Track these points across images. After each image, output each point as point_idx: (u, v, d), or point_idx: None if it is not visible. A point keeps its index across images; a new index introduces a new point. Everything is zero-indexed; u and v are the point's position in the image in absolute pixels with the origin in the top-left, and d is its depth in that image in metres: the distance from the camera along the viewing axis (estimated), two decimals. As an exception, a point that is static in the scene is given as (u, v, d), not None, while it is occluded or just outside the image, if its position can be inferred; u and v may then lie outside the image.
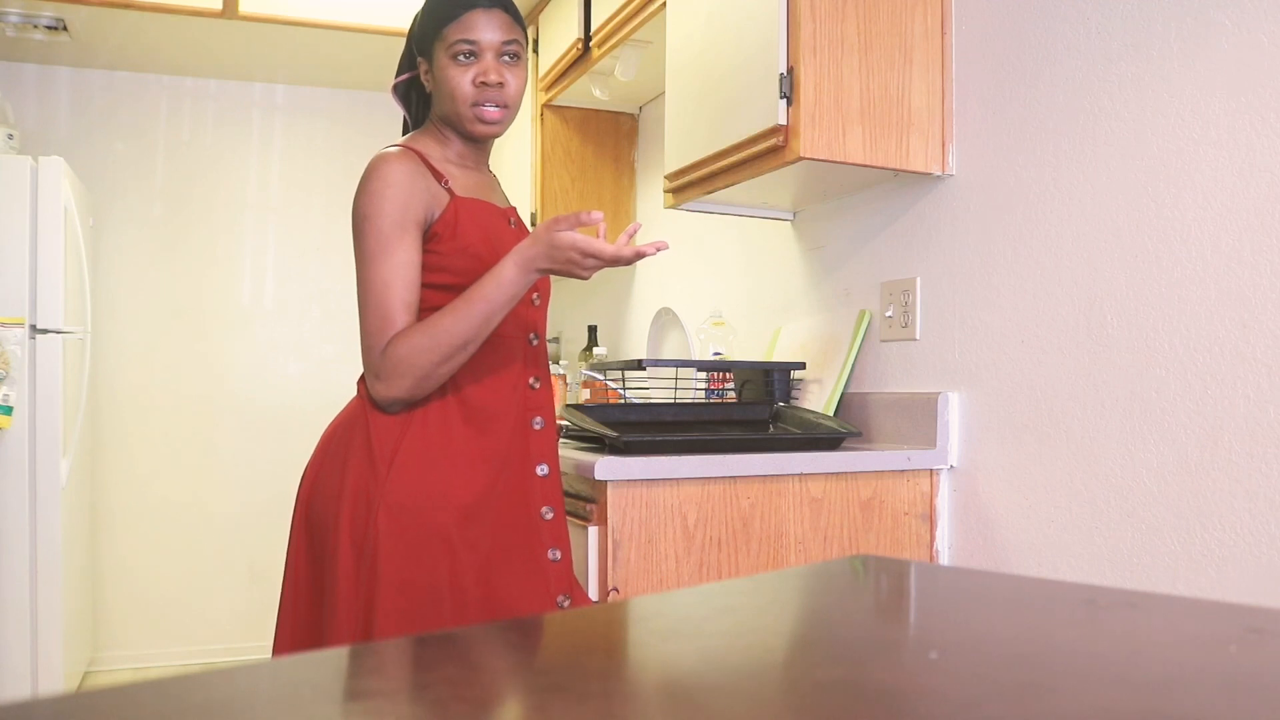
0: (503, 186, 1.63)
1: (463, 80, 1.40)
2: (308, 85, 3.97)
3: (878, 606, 0.65)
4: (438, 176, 1.41)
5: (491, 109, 1.42)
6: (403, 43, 1.56)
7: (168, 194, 3.81)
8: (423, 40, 1.45)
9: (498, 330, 1.39)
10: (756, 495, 1.66)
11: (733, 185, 1.94)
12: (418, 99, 1.55)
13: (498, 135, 1.47)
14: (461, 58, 1.40)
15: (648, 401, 2.25)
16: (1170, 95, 1.44)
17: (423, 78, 1.47)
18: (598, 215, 1.28)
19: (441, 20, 1.41)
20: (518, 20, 1.45)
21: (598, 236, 1.31)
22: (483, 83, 1.40)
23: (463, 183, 1.45)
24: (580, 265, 1.30)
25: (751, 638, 0.56)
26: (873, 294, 2.03)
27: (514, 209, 1.55)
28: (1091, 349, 1.55)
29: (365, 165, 1.41)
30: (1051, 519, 1.61)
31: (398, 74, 1.54)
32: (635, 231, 1.35)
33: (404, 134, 1.56)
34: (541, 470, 1.46)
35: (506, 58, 1.42)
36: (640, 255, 1.30)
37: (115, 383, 3.73)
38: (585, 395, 2.66)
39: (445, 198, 1.40)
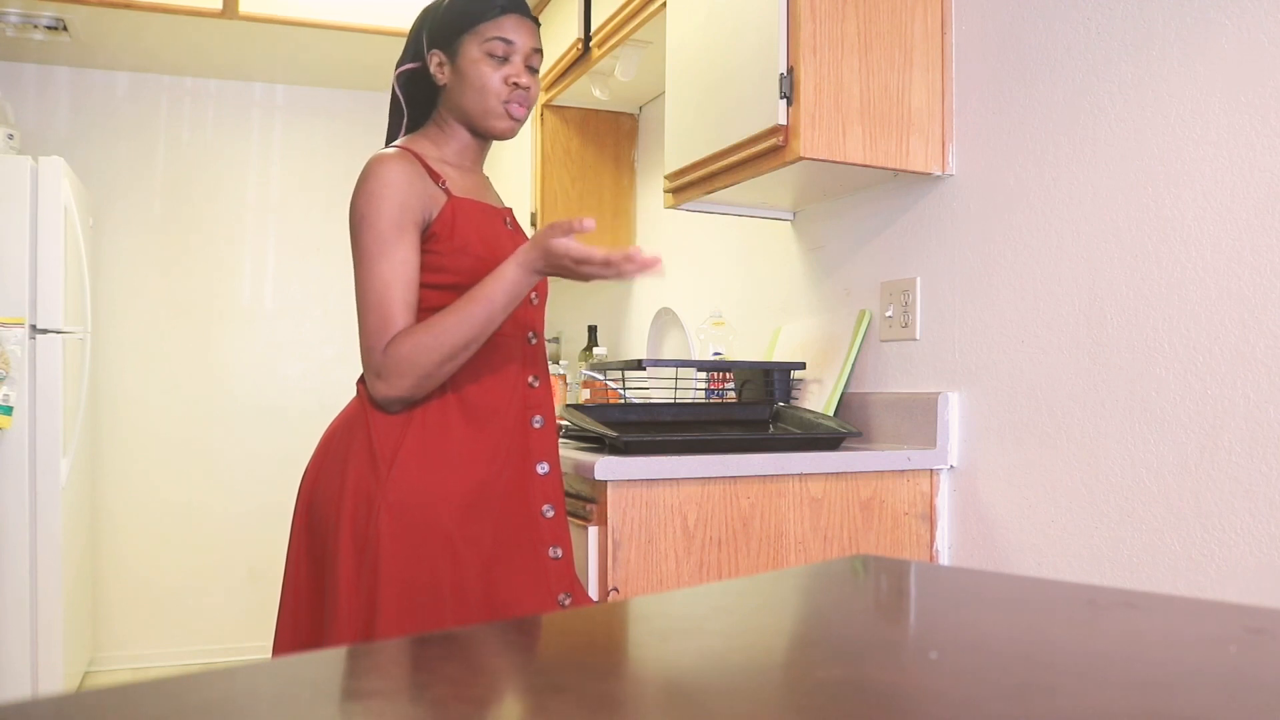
0: (503, 186, 1.64)
1: (494, 77, 1.43)
2: (308, 85, 3.97)
3: (878, 606, 0.65)
4: (434, 177, 1.41)
5: (519, 106, 1.46)
6: (403, 43, 1.56)
7: (168, 194, 3.81)
8: (445, 31, 1.45)
9: (497, 329, 1.40)
10: (756, 495, 1.66)
11: (733, 185, 1.94)
12: (411, 95, 1.54)
13: (512, 136, 1.50)
14: (496, 56, 1.43)
15: (648, 401, 2.25)
16: (1170, 95, 1.44)
17: (433, 69, 1.47)
18: (589, 223, 1.27)
19: (476, 16, 1.43)
20: (540, 34, 1.50)
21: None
22: (515, 83, 1.44)
23: (459, 183, 1.46)
24: (575, 272, 1.31)
25: (751, 637, 0.56)
26: (873, 294, 2.03)
27: (509, 210, 1.55)
28: (1091, 349, 1.55)
29: (363, 165, 1.41)
30: (1051, 519, 1.61)
31: (400, 63, 1.52)
32: (635, 254, 1.30)
33: (389, 127, 1.56)
34: (542, 468, 1.46)
35: (531, 67, 1.47)
36: (631, 262, 1.28)
37: (115, 383, 3.73)
38: (585, 395, 2.66)
39: (442, 198, 1.41)
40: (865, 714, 0.41)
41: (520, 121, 1.47)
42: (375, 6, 3.20)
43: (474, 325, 1.33)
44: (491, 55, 1.43)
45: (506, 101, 1.44)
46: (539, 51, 1.47)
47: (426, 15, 1.50)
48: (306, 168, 3.97)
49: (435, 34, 1.46)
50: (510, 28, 1.43)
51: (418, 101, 1.53)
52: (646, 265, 1.28)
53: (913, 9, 1.81)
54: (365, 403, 1.39)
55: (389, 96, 1.56)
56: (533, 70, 1.47)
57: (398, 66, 1.52)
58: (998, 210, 1.73)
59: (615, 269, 1.28)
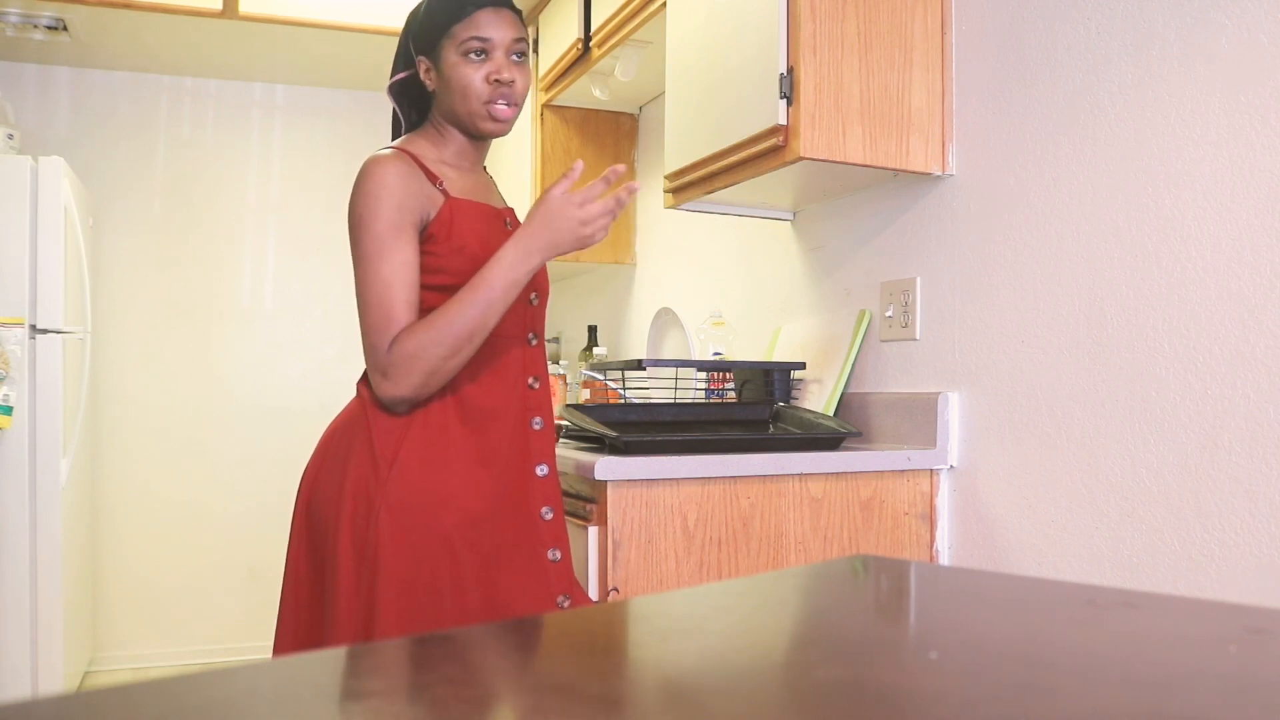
0: (503, 186, 1.64)
1: (475, 78, 1.41)
2: (308, 85, 3.97)
3: (878, 606, 0.65)
4: (432, 178, 1.41)
5: (504, 106, 1.43)
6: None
7: (168, 194, 3.81)
8: (426, 38, 1.45)
9: (496, 330, 1.40)
10: (756, 495, 1.66)
11: (733, 185, 1.94)
12: (409, 100, 1.54)
13: (505, 133, 1.48)
14: (474, 56, 1.41)
15: (648, 401, 2.25)
16: (1170, 95, 1.44)
17: (423, 76, 1.47)
18: (579, 165, 1.39)
19: (449, 18, 1.41)
20: (521, 19, 1.47)
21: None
22: (496, 80, 1.42)
23: (458, 184, 1.45)
24: (580, 217, 1.37)
25: (751, 637, 0.56)
26: (873, 294, 2.03)
27: (511, 210, 1.55)
28: (1091, 349, 1.55)
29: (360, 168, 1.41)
30: (1051, 519, 1.61)
31: (393, 73, 1.53)
32: (616, 176, 1.41)
33: (393, 132, 1.56)
34: (541, 470, 1.46)
35: (515, 56, 1.44)
36: (615, 172, 1.39)
37: (115, 383, 3.73)
38: (585, 395, 2.66)
39: (440, 199, 1.41)
40: (865, 714, 0.41)
41: (506, 120, 1.45)
42: (375, 6, 3.20)
43: (476, 314, 1.33)
44: (470, 55, 1.41)
45: (489, 101, 1.42)
46: (521, 40, 1.45)
47: (410, 23, 1.50)
48: (306, 168, 3.97)
49: (418, 41, 1.47)
50: (485, 24, 1.41)
51: (420, 106, 1.54)
52: (626, 181, 1.41)
53: (913, 9, 1.81)
54: (366, 403, 1.39)
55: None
56: (519, 59, 1.45)
57: (391, 76, 1.53)
58: (998, 210, 1.73)
59: (612, 192, 1.39)
